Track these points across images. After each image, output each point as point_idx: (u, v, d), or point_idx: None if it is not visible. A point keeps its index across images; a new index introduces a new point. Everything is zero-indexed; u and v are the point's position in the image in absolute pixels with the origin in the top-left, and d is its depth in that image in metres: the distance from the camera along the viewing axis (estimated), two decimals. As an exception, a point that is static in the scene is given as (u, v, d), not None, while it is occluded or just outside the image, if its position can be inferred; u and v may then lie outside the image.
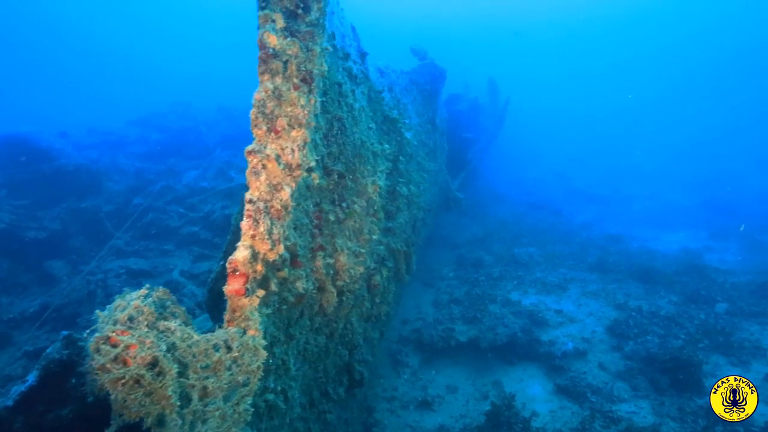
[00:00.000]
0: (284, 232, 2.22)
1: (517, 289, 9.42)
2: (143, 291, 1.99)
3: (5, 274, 8.41)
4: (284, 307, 2.65)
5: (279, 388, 2.65)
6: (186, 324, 1.97)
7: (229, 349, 1.93)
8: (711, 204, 18.53)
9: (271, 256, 2.15)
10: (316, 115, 2.31)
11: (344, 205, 3.37)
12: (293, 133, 2.16)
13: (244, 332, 2.00)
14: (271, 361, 2.56)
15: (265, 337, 2.15)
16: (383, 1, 68.13)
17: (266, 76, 2.09)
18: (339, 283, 3.35)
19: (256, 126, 2.13)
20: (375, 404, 7.18)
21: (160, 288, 2.06)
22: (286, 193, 2.16)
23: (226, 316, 2.07)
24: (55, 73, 57.56)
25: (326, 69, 2.31)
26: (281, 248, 2.19)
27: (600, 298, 8.88)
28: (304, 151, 2.22)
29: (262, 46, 2.07)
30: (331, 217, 3.18)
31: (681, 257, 11.29)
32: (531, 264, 10.52)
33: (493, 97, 19.80)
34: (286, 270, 2.56)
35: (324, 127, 3.18)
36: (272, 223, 2.13)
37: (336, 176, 3.26)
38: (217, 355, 1.90)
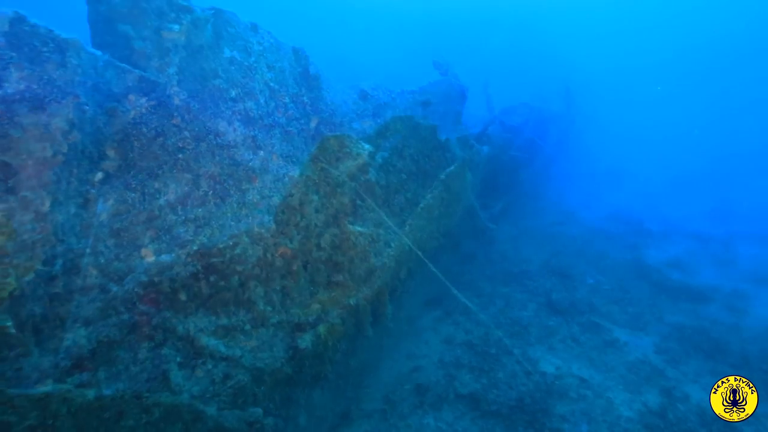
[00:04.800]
0: None
1: (541, 342, 8.17)
2: None
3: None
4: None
5: None
6: None
7: None
8: None
9: None
10: None
11: (212, 279, 2.87)
12: None
13: None
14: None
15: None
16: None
17: None
18: (199, 371, 2.88)
19: None
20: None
21: None
22: None
23: None
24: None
25: None
26: None
27: (642, 373, 7.34)
28: None
29: None
30: (183, 297, 2.70)
31: (777, 333, 8.97)
32: (570, 312, 9.10)
33: (568, 109, 17.64)
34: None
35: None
36: None
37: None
38: None
